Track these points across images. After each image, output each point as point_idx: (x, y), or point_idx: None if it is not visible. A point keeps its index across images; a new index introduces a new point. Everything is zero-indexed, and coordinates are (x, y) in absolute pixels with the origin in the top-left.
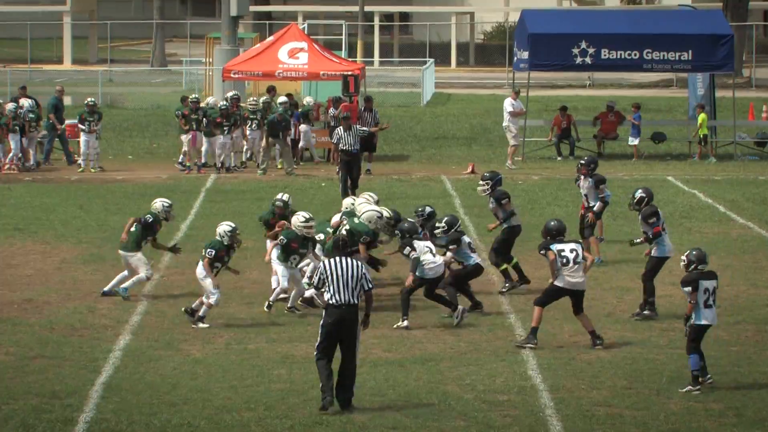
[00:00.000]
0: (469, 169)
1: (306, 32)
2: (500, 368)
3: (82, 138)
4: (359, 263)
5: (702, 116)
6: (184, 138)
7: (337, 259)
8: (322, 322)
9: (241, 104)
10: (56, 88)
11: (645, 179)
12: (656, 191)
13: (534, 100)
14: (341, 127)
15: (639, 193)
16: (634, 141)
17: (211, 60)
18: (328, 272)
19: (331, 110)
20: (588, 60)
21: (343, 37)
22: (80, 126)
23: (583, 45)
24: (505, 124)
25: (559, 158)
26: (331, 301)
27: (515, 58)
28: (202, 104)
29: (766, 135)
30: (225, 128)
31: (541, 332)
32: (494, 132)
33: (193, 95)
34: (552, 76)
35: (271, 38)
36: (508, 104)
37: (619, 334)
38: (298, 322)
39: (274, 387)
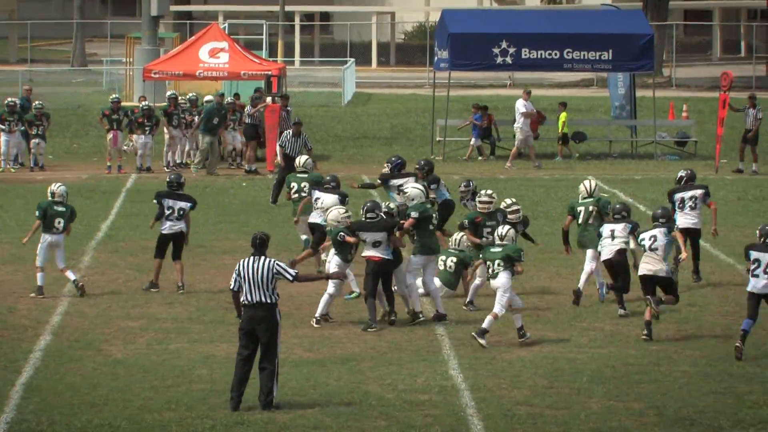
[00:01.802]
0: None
1: (227, 32)
2: (421, 368)
3: (2, 138)
4: (271, 262)
5: (563, 115)
6: (108, 138)
7: (251, 259)
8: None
9: (181, 103)
10: None
11: (565, 179)
12: (576, 191)
13: (454, 100)
14: (290, 132)
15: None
16: (477, 142)
17: (131, 60)
18: (241, 273)
19: (248, 108)
20: (508, 59)
21: (264, 36)
22: (0, 126)
23: (504, 44)
24: (517, 125)
25: (480, 158)
26: (244, 302)
27: (436, 58)
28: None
29: (686, 134)
30: (147, 128)
31: (462, 331)
32: (415, 131)
33: (114, 95)
34: (473, 75)
35: (192, 38)
36: (521, 105)
37: (539, 333)
38: (219, 321)
39: (196, 387)
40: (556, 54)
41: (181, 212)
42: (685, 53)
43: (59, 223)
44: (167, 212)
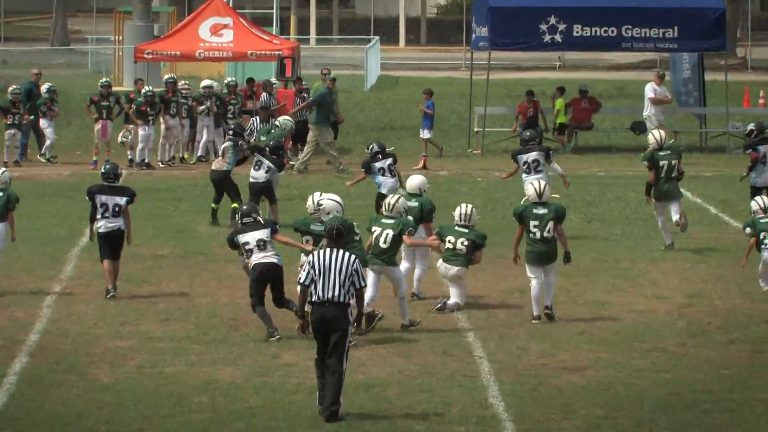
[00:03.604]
0: (421, 164)
1: (231, 5)
2: (456, 395)
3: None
4: (351, 257)
5: (559, 102)
6: (95, 128)
7: (326, 251)
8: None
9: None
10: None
11: (623, 176)
12: (637, 188)
13: (495, 85)
14: (257, 118)
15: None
16: (425, 133)
17: (120, 38)
18: (316, 266)
19: (263, 97)
20: (558, 38)
21: (275, 11)
22: None
23: (553, 20)
24: (645, 113)
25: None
26: (314, 299)
27: (473, 36)
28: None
29: (763, 125)
30: (150, 118)
31: (504, 352)
32: (449, 121)
33: (104, 79)
34: (516, 56)
35: (191, 14)
36: (650, 90)
37: (593, 355)
38: (221, 340)
39: (195, 417)
40: (612, 31)
41: (117, 209)
42: (762, 31)
43: None
44: (100, 209)
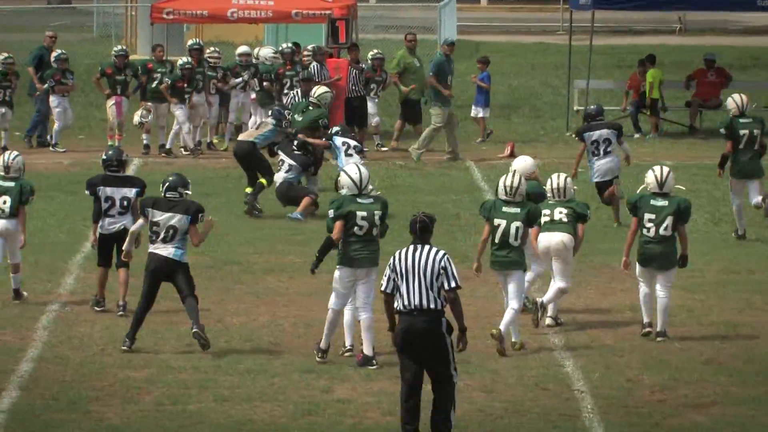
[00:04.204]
0: (507, 151)
1: None
2: None
3: None
4: (439, 253)
5: (651, 73)
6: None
7: (410, 248)
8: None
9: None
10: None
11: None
12: None
13: (600, 52)
14: (298, 92)
15: None
16: (478, 112)
17: None
18: (397, 267)
19: (312, 67)
20: None
21: None
22: None
23: None
24: None
25: (636, 135)
26: (399, 307)
27: None
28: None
29: None
30: (187, 97)
31: (611, 385)
32: (543, 97)
33: (119, 46)
34: (626, 17)
35: None
36: None
37: (722, 389)
38: (259, 371)
39: None
40: None
41: (125, 203)
42: None
43: (4, 203)
44: (105, 205)
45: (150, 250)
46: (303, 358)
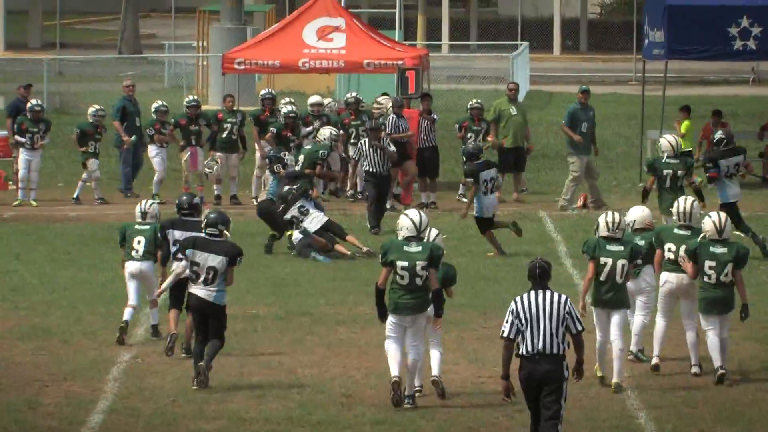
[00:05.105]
0: (581, 202)
1: (343, 4)
2: None
3: (22, 156)
4: (563, 298)
5: (685, 124)
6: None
7: (531, 294)
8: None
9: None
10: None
11: None
12: None
13: (673, 102)
14: (365, 141)
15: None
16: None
17: (205, 44)
18: (521, 313)
19: (391, 119)
20: (751, 44)
21: (397, 11)
22: (18, 139)
23: (745, 22)
24: None
25: (709, 186)
26: (522, 352)
27: (645, 42)
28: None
29: None
30: (292, 145)
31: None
32: (616, 147)
33: (191, 96)
34: (699, 67)
35: (293, 13)
36: None
37: None
38: (330, 422)
39: None
40: None
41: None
42: None
43: (138, 243)
44: (173, 249)
45: (190, 290)
46: (375, 410)
